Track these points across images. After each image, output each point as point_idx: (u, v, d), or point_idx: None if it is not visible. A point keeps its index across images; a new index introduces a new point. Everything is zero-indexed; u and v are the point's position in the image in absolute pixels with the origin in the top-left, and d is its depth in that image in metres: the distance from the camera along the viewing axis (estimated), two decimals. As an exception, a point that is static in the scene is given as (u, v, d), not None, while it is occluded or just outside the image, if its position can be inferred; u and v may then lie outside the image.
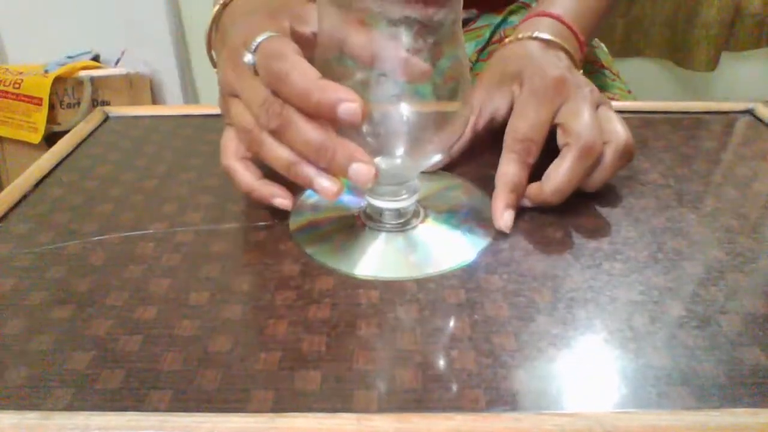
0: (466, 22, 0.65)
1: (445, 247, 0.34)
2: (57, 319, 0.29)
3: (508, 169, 0.36)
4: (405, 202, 0.34)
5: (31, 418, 0.23)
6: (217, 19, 0.40)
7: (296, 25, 0.34)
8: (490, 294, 0.30)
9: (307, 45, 0.32)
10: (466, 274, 0.31)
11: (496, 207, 0.35)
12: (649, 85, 1.49)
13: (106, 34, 1.34)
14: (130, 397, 0.25)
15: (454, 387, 0.25)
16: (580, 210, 0.37)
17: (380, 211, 0.35)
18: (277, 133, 0.30)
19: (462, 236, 0.35)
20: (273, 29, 0.32)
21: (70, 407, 0.24)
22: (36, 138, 1.25)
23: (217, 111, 0.40)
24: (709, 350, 0.27)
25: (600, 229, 0.35)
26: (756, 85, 1.47)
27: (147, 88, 1.32)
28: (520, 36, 0.43)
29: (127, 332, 0.28)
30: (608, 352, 0.27)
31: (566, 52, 0.43)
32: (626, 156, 0.37)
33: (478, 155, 0.42)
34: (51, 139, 1.24)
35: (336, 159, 0.29)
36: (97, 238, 0.35)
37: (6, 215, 0.38)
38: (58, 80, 1.23)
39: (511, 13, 0.64)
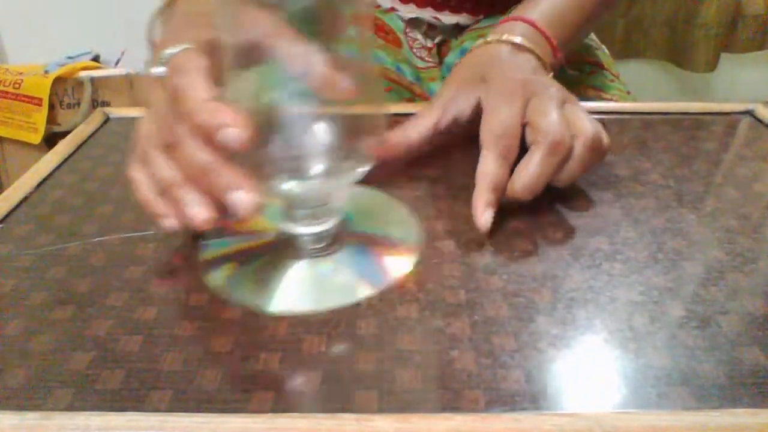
0: (468, 24, 0.65)
1: (372, 267, 0.32)
2: (57, 319, 0.29)
3: (488, 167, 0.35)
4: (324, 226, 0.32)
5: (31, 418, 0.23)
6: (159, 15, 0.39)
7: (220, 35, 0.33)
8: (490, 294, 0.30)
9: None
10: (466, 275, 0.31)
11: (477, 206, 0.34)
12: (649, 87, 1.49)
13: (106, 34, 1.34)
14: (130, 398, 0.25)
15: (454, 387, 0.25)
16: (580, 210, 0.37)
17: (299, 237, 0.32)
18: (169, 150, 0.30)
19: (391, 252, 0.33)
20: (192, 40, 0.31)
21: (70, 407, 0.24)
22: (36, 138, 1.25)
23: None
24: (709, 350, 0.27)
25: (600, 229, 0.35)
26: (756, 86, 1.47)
27: (147, 89, 1.31)
28: (489, 39, 0.43)
29: (127, 332, 0.28)
30: (608, 352, 0.27)
31: (535, 55, 0.42)
32: (596, 151, 0.36)
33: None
34: (51, 139, 1.24)
35: (218, 184, 0.28)
36: (97, 239, 0.35)
37: (7, 216, 0.38)
38: (58, 80, 1.23)
39: (512, 13, 0.64)
